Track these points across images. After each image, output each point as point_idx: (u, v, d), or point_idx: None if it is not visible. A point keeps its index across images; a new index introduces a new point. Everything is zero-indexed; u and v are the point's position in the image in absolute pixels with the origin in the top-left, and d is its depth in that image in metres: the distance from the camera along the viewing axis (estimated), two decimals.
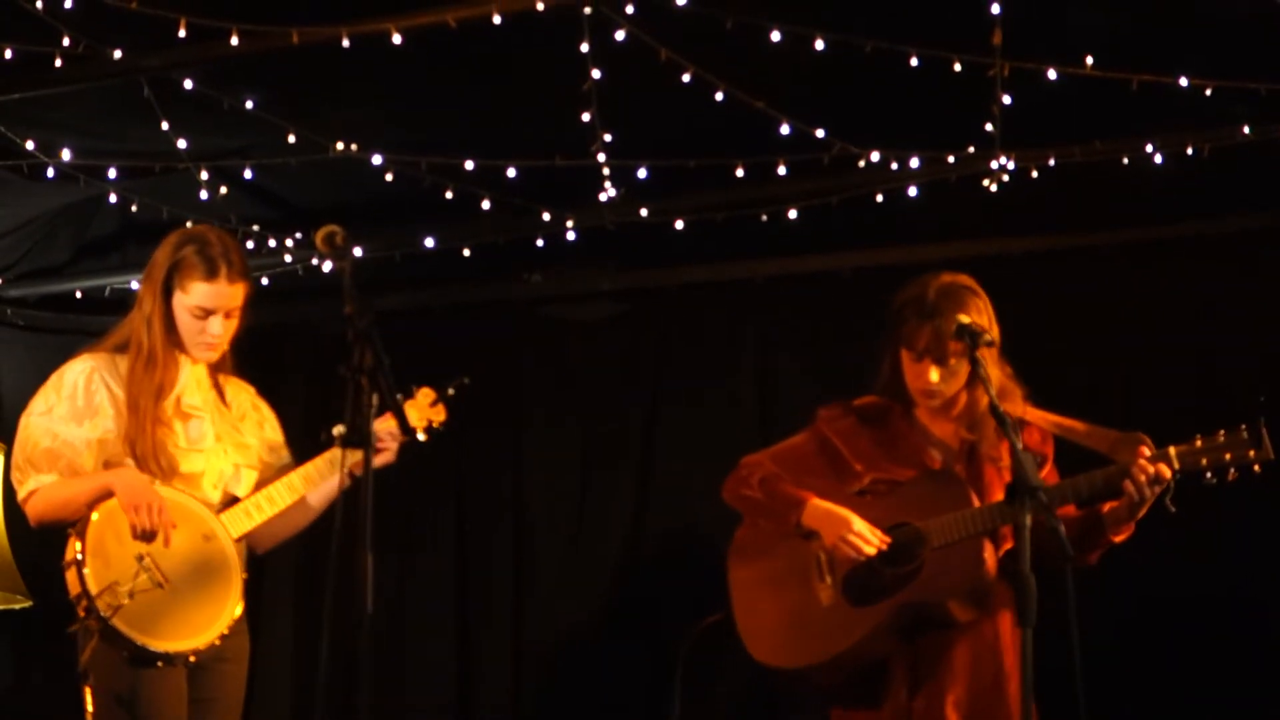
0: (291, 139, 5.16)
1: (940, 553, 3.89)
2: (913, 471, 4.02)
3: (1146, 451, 3.79)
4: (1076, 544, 3.82)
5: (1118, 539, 3.91)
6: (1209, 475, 3.77)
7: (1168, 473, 3.76)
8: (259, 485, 4.12)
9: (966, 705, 3.91)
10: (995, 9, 4.33)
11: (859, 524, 3.93)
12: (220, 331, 4.04)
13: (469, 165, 5.33)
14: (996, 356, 3.95)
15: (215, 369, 4.17)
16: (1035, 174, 5.15)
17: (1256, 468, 3.76)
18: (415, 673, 6.16)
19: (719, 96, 4.75)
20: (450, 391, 4.30)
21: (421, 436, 4.21)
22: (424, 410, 4.27)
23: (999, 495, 3.88)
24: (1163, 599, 5.16)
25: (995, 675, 3.92)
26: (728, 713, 5.71)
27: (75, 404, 3.99)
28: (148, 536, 3.87)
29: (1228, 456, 3.75)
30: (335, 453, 3.99)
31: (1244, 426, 3.76)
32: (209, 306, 4.00)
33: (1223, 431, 3.77)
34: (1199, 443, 3.78)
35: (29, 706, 6.13)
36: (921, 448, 4.05)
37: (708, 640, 4.78)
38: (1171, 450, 3.79)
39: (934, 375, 3.92)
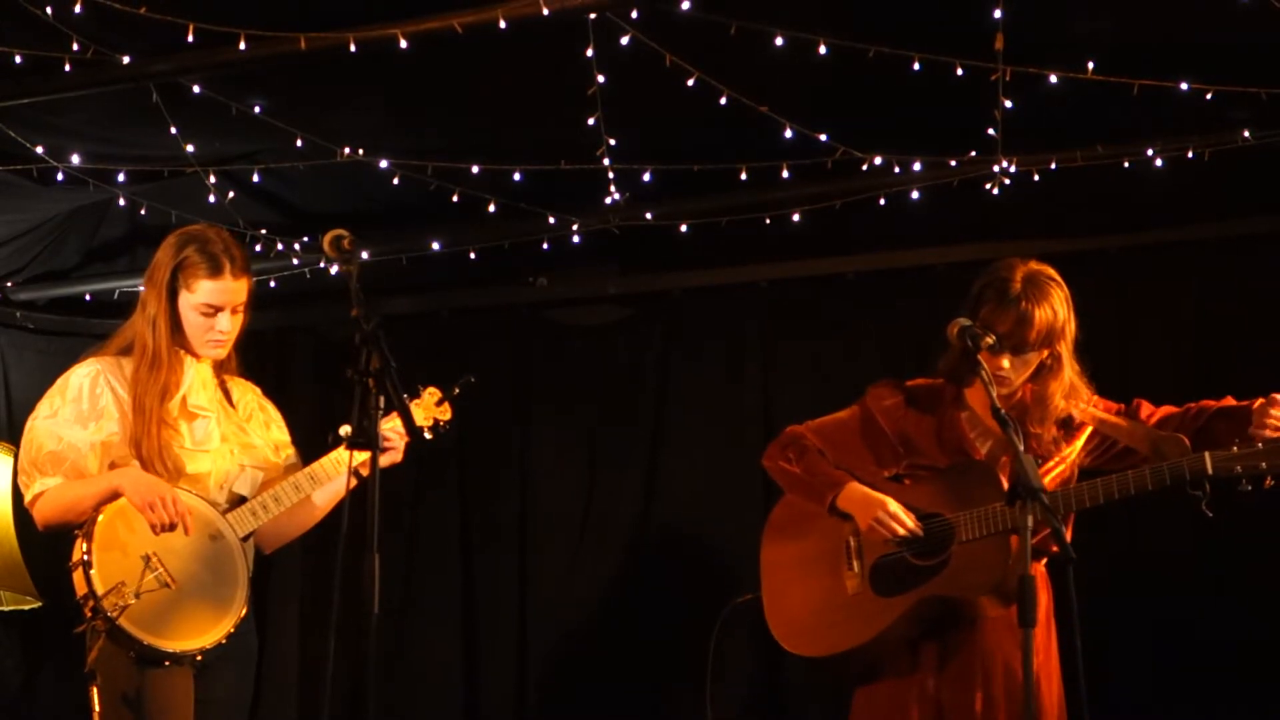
0: (299, 143, 5.19)
1: (968, 547, 3.85)
2: (952, 460, 3.98)
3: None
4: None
5: None
6: (1245, 483, 3.68)
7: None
8: (265, 485, 4.13)
9: (999, 703, 3.85)
10: (997, 14, 4.35)
11: (894, 505, 3.92)
12: (228, 328, 4.06)
13: (475, 169, 5.35)
14: (1073, 352, 3.91)
15: (221, 370, 4.19)
16: (1037, 178, 5.17)
17: None
18: (422, 672, 6.18)
19: (723, 101, 4.77)
20: (456, 391, 4.32)
21: (428, 435, 4.23)
22: (430, 409, 4.30)
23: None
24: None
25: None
26: (750, 696, 5.72)
27: (80, 407, 4.00)
28: (168, 530, 3.88)
29: (1264, 465, 3.65)
30: (342, 453, 4.03)
31: None
32: (216, 303, 4.02)
33: (1261, 440, 3.67)
34: (1236, 449, 3.69)
35: (38, 706, 6.16)
36: (967, 435, 4.00)
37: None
38: (1207, 456, 3.70)
39: (1005, 362, 3.86)
